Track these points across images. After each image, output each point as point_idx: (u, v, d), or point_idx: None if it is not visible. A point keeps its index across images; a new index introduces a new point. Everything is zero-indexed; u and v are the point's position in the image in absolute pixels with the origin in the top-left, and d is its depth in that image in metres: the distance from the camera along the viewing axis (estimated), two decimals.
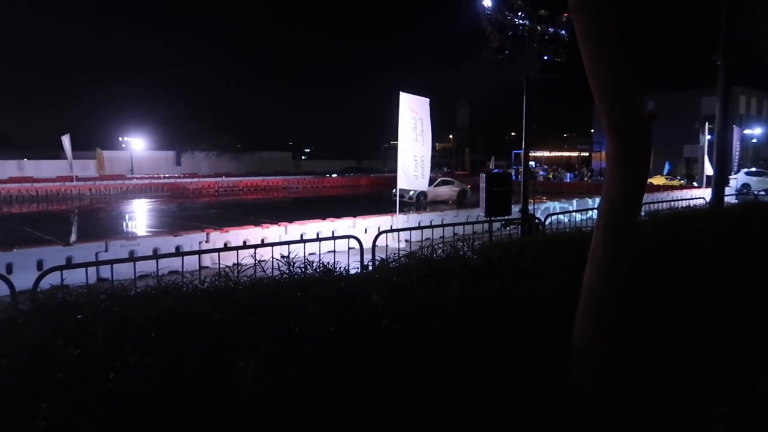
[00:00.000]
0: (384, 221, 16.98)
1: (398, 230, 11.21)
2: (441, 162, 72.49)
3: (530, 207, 13.87)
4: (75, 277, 5.88)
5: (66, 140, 38.86)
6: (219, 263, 6.06)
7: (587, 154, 66.54)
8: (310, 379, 2.71)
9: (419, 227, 12.46)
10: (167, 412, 2.33)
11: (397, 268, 4.28)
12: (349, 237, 8.26)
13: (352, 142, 73.81)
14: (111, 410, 2.15)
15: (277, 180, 51.46)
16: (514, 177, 16.62)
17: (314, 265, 4.16)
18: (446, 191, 32.59)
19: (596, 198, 23.55)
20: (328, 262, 4.39)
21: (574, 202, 22.88)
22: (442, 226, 10.67)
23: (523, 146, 13.92)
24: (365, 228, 16.31)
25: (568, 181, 50.86)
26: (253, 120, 71.94)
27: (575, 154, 69.13)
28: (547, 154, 68.14)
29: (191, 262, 7.28)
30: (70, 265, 8.02)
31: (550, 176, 54.48)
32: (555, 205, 21.48)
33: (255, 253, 6.01)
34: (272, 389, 2.50)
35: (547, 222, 12.33)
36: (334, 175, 53.64)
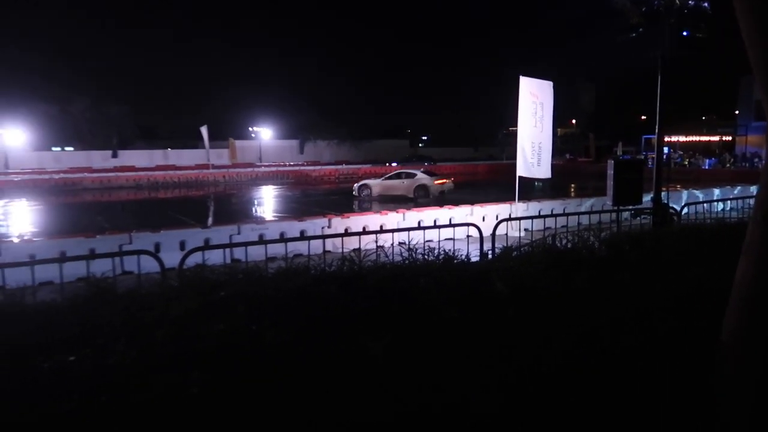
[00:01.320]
0: (502, 209, 16.66)
1: (519, 219, 10.93)
2: (562, 148, 69.50)
3: (663, 195, 12.90)
4: (212, 257, 6.40)
5: (204, 131, 42.25)
6: (342, 247, 6.30)
7: (730, 138, 60.41)
8: (433, 362, 2.73)
9: (540, 216, 12.07)
10: (300, 386, 2.47)
11: (519, 257, 4.18)
12: (468, 224, 8.20)
13: (470, 129, 72.90)
14: (252, 381, 2.32)
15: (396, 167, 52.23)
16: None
17: (435, 251, 4.19)
18: (400, 186, 26.39)
19: (739, 186, 21.41)
20: (449, 249, 4.39)
21: (715, 190, 20.95)
22: (565, 215, 10.27)
23: (656, 130, 12.94)
24: (483, 216, 16.10)
25: (706, 167, 46.61)
26: (373, 108, 73.42)
27: (716, 138, 63.06)
28: (682, 138, 62.84)
29: (314, 246, 7.62)
30: (209, 246, 8.71)
31: (686, 162, 50.26)
32: (692, 194, 19.81)
33: (377, 238, 6.17)
34: (397, 369, 2.55)
35: (683, 212, 11.43)
36: (394, 164, 50.91)
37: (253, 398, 2.33)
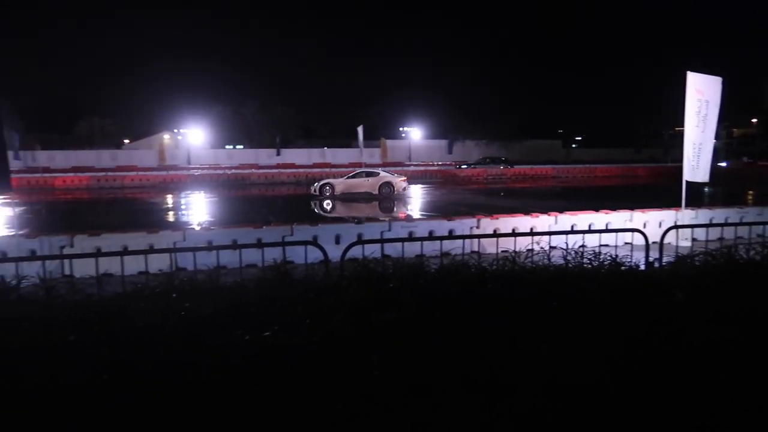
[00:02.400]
0: (666, 216, 15.36)
1: (690, 226, 10.04)
2: (738, 149, 62.33)
3: None
4: (366, 251, 6.71)
5: (360, 131, 44.22)
6: (498, 248, 6.28)
7: None
8: (595, 368, 2.65)
9: (713, 224, 10.99)
10: (474, 377, 2.54)
11: (696, 267, 3.89)
12: (633, 230, 7.74)
13: (630, 129, 68.10)
14: (423, 369, 2.44)
15: (546, 169, 50.39)
16: None
17: (600, 257, 4.05)
18: (365, 184, 27.68)
19: None
20: (613, 255, 4.21)
21: None
22: (745, 224, 9.25)
23: None
24: (644, 222, 14.97)
25: None
26: (524, 107, 71.50)
27: None
28: None
29: (459, 245, 7.65)
30: (367, 240, 9.11)
31: None
32: None
33: (533, 241, 6.07)
34: (563, 370, 2.53)
35: None
36: (464, 167, 48.88)
37: (424, 385, 2.45)
